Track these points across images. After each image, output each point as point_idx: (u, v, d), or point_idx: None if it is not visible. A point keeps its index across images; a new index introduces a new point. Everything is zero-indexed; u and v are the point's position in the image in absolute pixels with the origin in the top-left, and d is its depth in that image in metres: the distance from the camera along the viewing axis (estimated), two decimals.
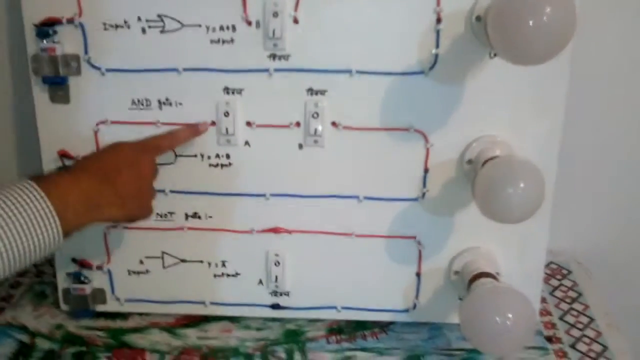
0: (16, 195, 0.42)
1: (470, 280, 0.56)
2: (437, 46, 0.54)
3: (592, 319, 0.67)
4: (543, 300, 0.70)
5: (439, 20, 0.54)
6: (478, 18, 0.52)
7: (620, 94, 0.70)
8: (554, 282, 0.73)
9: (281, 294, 0.64)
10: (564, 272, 0.75)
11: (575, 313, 0.68)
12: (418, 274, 0.62)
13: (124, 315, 0.66)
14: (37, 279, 0.71)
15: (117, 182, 0.49)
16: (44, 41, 0.56)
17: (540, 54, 0.44)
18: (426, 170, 0.58)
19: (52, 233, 0.43)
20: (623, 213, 0.75)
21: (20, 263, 0.42)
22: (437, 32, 0.54)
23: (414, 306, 0.63)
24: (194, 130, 0.58)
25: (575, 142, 0.64)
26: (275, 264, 0.62)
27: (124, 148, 0.52)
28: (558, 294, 0.71)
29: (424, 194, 0.59)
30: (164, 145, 0.56)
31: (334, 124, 0.57)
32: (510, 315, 0.47)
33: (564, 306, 0.69)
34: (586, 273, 0.74)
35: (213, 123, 0.59)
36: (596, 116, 0.70)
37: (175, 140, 0.57)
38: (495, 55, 0.54)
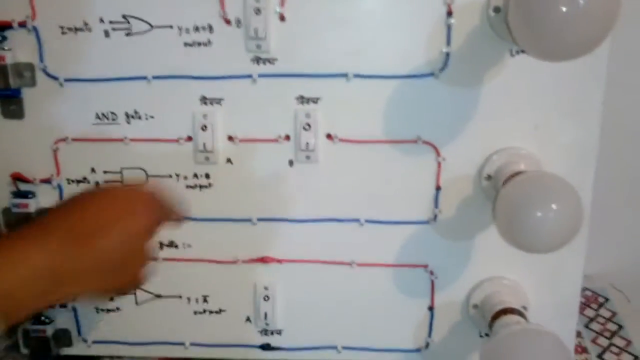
0: None
1: (492, 317, 0.52)
2: (449, 43, 0.52)
3: (636, 357, 0.63)
4: (578, 334, 0.66)
5: (450, 13, 0.51)
6: (497, 9, 0.50)
7: None
8: (590, 312, 0.70)
9: (272, 333, 0.61)
10: (600, 300, 0.72)
11: (615, 350, 0.64)
12: (431, 308, 0.59)
13: (94, 359, 0.64)
14: None
15: (94, 245, 0.39)
16: None
17: (575, 47, 0.41)
18: (438, 188, 0.56)
19: None
20: None
21: None
22: (448, 27, 0.51)
23: (427, 345, 0.60)
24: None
25: (609, 152, 0.60)
26: (265, 299, 0.60)
27: (109, 197, 0.42)
28: (595, 326, 0.68)
29: (435, 216, 0.56)
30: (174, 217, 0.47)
31: (329, 136, 0.55)
32: None
33: (603, 341, 0.66)
34: (626, 301, 0.71)
35: (189, 138, 0.56)
36: (636, 122, 0.67)
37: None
38: (517, 52, 0.51)
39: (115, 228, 0.40)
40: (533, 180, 0.47)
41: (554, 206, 0.44)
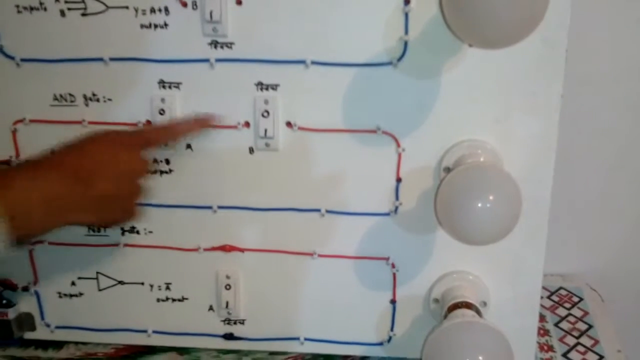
0: None
1: (446, 311, 0.52)
2: (406, 32, 0.51)
3: (601, 357, 0.63)
4: (546, 332, 0.66)
5: (407, 1, 0.50)
6: None
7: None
8: (562, 311, 0.70)
9: (235, 322, 0.62)
10: (575, 299, 0.72)
11: (582, 349, 0.64)
12: (393, 302, 0.59)
13: (57, 344, 0.64)
14: None
15: (92, 183, 0.46)
16: None
17: (502, 34, 0.41)
18: (399, 180, 0.55)
19: None
20: None
21: None
22: (406, 15, 0.51)
23: (389, 339, 0.60)
24: (200, 123, 0.54)
25: (589, 150, 0.60)
26: (226, 288, 0.60)
27: (104, 141, 0.49)
28: (565, 325, 0.68)
29: (396, 208, 0.56)
30: (157, 139, 0.53)
31: (288, 124, 0.55)
32: (480, 358, 0.44)
33: (570, 340, 0.66)
34: (600, 301, 0.71)
35: (148, 122, 0.56)
36: (611, 120, 0.66)
37: (173, 134, 0.53)
38: None
39: (106, 169, 0.47)
40: (467, 171, 0.47)
41: (490, 197, 0.44)
